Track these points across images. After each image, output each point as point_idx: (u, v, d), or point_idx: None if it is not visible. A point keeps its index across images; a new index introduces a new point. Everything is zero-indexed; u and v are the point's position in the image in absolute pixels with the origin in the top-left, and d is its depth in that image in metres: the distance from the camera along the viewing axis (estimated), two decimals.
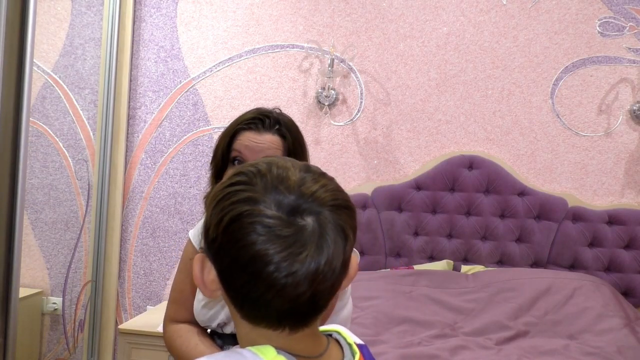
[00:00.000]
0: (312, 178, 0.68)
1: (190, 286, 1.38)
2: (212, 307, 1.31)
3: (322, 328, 0.76)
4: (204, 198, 1.35)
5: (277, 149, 1.24)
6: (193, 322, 1.36)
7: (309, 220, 0.64)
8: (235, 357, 0.66)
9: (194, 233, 1.41)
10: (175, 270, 1.48)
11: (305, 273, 0.63)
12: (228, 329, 1.30)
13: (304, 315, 0.67)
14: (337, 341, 0.76)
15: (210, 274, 0.69)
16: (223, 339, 1.32)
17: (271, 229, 0.63)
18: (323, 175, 0.70)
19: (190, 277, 1.38)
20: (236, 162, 1.25)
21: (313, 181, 0.67)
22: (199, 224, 1.41)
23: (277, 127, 1.26)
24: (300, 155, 1.28)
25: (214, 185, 1.31)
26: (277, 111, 1.31)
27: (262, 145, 1.23)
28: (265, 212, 0.64)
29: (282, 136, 1.26)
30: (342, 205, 0.68)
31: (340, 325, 0.78)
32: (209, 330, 1.38)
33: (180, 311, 1.38)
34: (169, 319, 1.40)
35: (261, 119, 1.26)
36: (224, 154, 1.28)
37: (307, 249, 0.63)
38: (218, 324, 1.31)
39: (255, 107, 1.32)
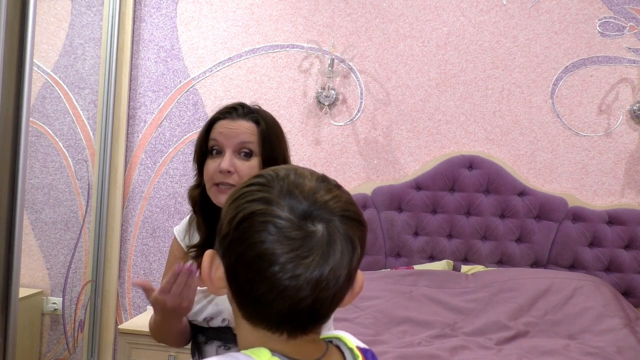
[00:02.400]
0: (327, 188, 0.69)
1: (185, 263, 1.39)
2: (199, 302, 1.32)
3: (322, 335, 0.76)
4: (188, 190, 1.37)
5: (251, 134, 1.25)
6: None
7: (319, 227, 0.65)
8: None
9: (179, 229, 1.42)
10: None
11: (308, 278, 0.64)
12: (214, 323, 1.31)
13: (304, 321, 0.68)
14: (338, 347, 0.76)
15: (219, 270, 0.70)
16: (207, 335, 1.32)
17: (281, 230, 0.64)
18: (338, 187, 0.71)
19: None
20: (214, 151, 1.27)
21: (327, 191, 0.69)
22: (184, 220, 1.43)
23: (252, 114, 1.28)
24: (276, 146, 1.27)
25: (199, 180, 1.33)
26: (257, 106, 1.33)
27: (235, 130, 1.25)
28: (278, 213, 0.65)
29: (256, 122, 1.27)
30: (352, 218, 0.68)
31: (342, 331, 0.78)
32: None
33: None
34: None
35: (236, 108, 1.29)
36: (202, 145, 1.30)
37: (314, 255, 0.64)
38: (204, 319, 1.32)
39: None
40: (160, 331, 1.30)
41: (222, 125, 1.26)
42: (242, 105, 1.30)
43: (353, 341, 0.77)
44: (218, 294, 0.72)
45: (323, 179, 0.71)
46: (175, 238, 1.42)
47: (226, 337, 1.30)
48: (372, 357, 0.77)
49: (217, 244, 0.71)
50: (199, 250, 1.33)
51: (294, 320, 0.67)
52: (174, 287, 1.12)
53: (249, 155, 1.25)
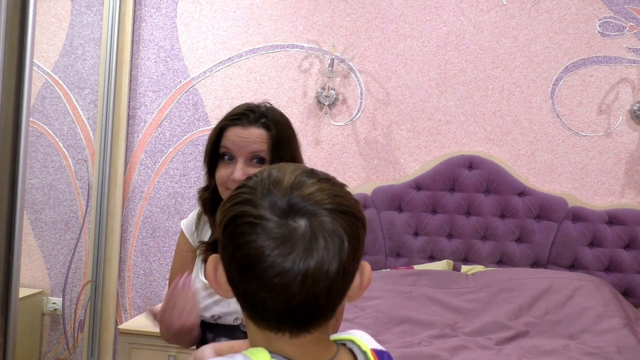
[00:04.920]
0: (311, 181, 0.69)
1: (182, 274, 1.40)
2: (205, 299, 1.33)
3: (335, 336, 0.75)
4: (198, 191, 1.38)
5: (262, 142, 1.25)
6: None
7: (300, 223, 0.65)
8: None
9: (186, 223, 1.43)
10: None
11: (294, 274, 0.64)
12: (225, 321, 1.32)
13: (302, 318, 0.67)
14: (351, 350, 0.75)
15: (224, 274, 0.71)
16: (215, 332, 1.33)
17: (264, 229, 0.65)
18: (327, 180, 0.70)
19: (182, 266, 1.40)
20: (226, 157, 1.27)
21: (311, 184, 0.68)
22: (192, 214, 1.43)
23: (262, 120, 1.27)
24: (286, 149, 1.27)
25: (209, 182, 1.33)
26: (267, 105, 1.32)
27: (247, 139, 1.25)
28: (260, 213, 0.66)
29: (268, 129, 1.26)
30: (340, 210, 0.67)
31: (357, 332, 0.77)
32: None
33: None
34: None
35: (246, 114, 1.28)
36: (213, 151, 1.30)
37: (296, 250, 0.64)
38: (212, 316, 1.32)
39: (244, 103, 1.34)
40: (174, 339, 1.32)
41: (234, 133, 1.26)
42: (252, 110, 1.28)
43: (368, 343, 0.75)
44: (227, 297, 0.73)
45: (308, 173, 0.70)
46: (182, 232, 1.43)
47: (234, 335, 1.31)
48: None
49: (218, 248, 0.72)
50: (208, 247, 1.34)
51: (291, 317, 0.67)
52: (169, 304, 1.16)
53: (261, 161, 1.26)
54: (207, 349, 0.84)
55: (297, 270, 0.64)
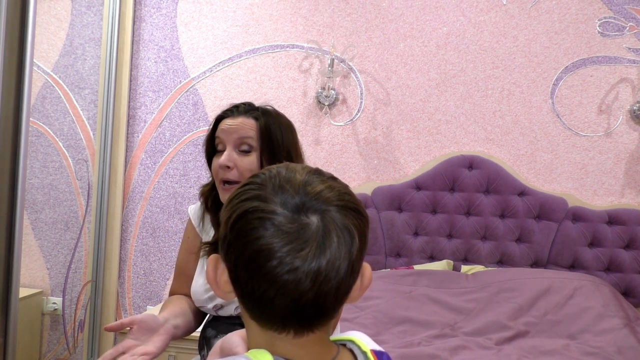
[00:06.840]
0: (320, 180, 0.69)
1: (187, 263, 1.41)
2: (207, 292, 1.34)
3: (335, 337, 0.75)
4: (200, 188, 1.40)
5: (249, 129, 1.29)
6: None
7: (313, 219, 0.65)
8: None
9: (194, 208, 1.45)
10: None
11: (307, 270, 0.63)
12: (226, 312, 1.32)
13: (309, 317, 0.67)
14: (351, 350, 0.74)
15: (224, 274, 0.70)
16: (216, 329, 1.33)
17: (275, 224, 0.64)
18: (333, 178, 0.71)
19: (188, 254, 1.41)
20: (219, 148, 1.30)
21: (320, 182, 0.68)
22: (199, 202, 1.44)
23: (251, 110, 1.32)
24: (278, 141, 1.30)
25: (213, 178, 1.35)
26: (266, 105, 1.36)
27: (234, 126, 1.29)
28: (272, 208, 0.65)
29: (256, 118, 1.31)
30: (349, 207, 0.68)
31: (357, 333, 0.77)
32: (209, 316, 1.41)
33: (178, 287, 1.44)
34: (169, 294, 1.46)
35: (237, 106, 1.34)
36: (209, 144, 1.34)
37: (309, 246, 0.63)
38: (214, 306, 1.33)
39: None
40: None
41: (224, 123, 1.30)
42: (245, 103, 1.33)
43: (367, 344, 0.75)
44: (226, 299, 0.72)
45: (316, 172, 0.71)
46: (189, 219, 1.44)
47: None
48: None
49: (219, 247, 0.70)
50: (212, 247, 1.34)
51: (298, 316, 0.66)
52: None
53: (248, 151, 1.27)
54: (234, 337, 0.81)
55: (309, 267, 0.63)
